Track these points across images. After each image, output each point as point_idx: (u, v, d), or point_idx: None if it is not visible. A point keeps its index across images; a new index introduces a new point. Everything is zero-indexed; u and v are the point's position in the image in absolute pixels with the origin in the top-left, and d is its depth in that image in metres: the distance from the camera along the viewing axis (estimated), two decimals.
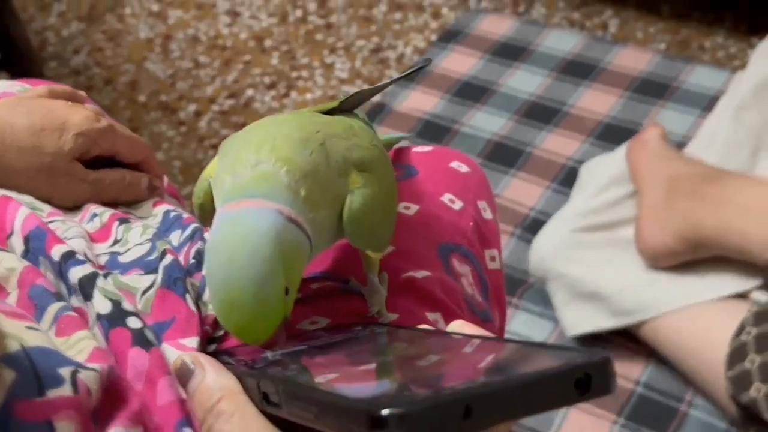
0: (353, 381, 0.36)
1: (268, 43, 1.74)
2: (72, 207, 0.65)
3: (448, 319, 0.58)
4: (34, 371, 0.42)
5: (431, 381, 0.34)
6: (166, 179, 0.78)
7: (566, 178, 1.39)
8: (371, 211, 0.48)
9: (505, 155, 1.44)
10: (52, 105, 0.68)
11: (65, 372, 0.43)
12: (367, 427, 0.30)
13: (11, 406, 0.41)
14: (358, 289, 0.56)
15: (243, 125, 1.59)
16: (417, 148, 0.73)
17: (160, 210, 0.64)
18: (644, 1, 1.69)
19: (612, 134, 1.45)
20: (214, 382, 0.41)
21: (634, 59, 1.57)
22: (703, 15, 1.65)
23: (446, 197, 0.67)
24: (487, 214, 0.69)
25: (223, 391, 0.40)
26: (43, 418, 0.41)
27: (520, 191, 1.38)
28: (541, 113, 1.50)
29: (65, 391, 0.42)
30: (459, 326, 0.42)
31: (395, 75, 1.63)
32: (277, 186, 0.44)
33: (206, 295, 0.54)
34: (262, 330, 0.43)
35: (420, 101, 1.54)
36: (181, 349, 0.49)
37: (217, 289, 0.43)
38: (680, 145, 1.41)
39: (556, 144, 1.45)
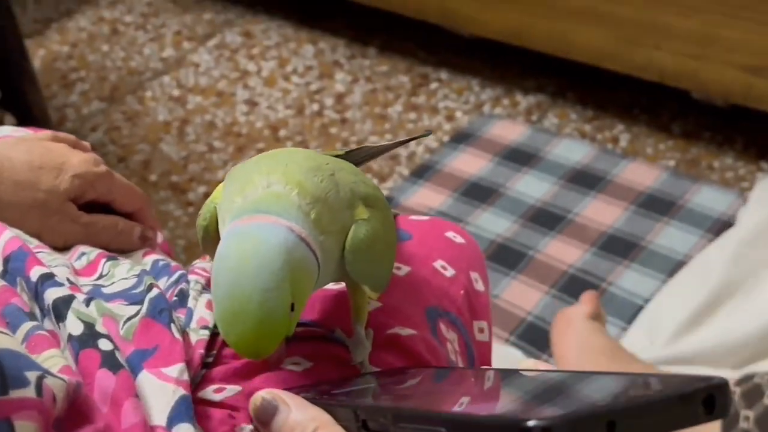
0: (468, 403, 0.38)
1: (282, 132, 1.77)
2: (62, 247, 0.65)
3: None
4: (0, 370, 0.41)
5: (562, 398, 0.35)
6: (161, 236, 0.78)
7: (566, 284, 1.39)
8: (374, 243, 0.49)
9: (506, 257, 1.44)
10: (54, 146, 0.69)
11: (31, 375, 0.42)
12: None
13: None
14: (342, 339, 0.56)
15: None
16: (413, 217, 0.73)
17: (149, 259, 0.64)
18: (655, 118, 1.72)
19: (615, 246, 1.45)
20: (303, 415, 0.41)
21: (641, 174, 1.58)
22: (713, 136, 1.67)
23: (438, 263, 0.66)
24: (479, 286, 0.69)
25: (316, 422, 0.40)
26: (3, 416, 0.40)
27: (519, 294, 1.38)
28: (546, 219, 1.50)
29: (29, 392, 0.41)
30: (533, 364, 0.42)
31: (405, 172, 1.64)
32: (289, 206, 0.45)
33: (193, 324, 0.53)
34: (265, 344, 0.43)
35: (427, 198, 1.55)
36: (162, 378, 0.49)
37: (222, 297, 0.43)
38: (681, 263, 1.40)
39: (558, 250, 1.45)
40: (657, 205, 1.52)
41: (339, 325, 0.56)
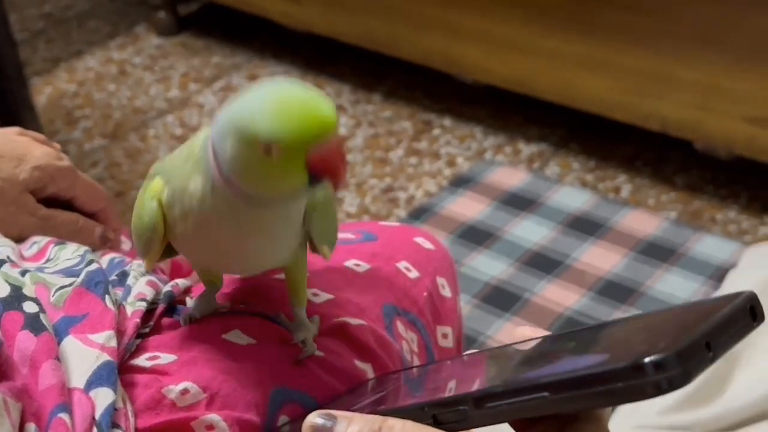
0: (552, 365, 0.38)
1: None
2: (17, 239, 0.64)
3: (378, 371, 0.54)
4: None
5: (645, 338, 0.36)
6: (129, 243, 0.76)
7: (562, 327, 1.35)
8: (332, 202, 0.52)
9: (501, 299, 1.41)
10: (18, 138, 0.68)
11: None
12: (649, 374, 0.32)
13: None
14: (285, 324, 0.53)
15: None
16: (382, 222, 0.71)
17: (106, 258, 0.63)
18: (658, 170, 1.69)
19: (613, 291, 1.42)
20: (364, 420, 0.39)
21: (643, 221, 1.55)
22: (717, 189, 1.64)
23: (402, 264, 0.64)
24: (446, 292, 0.66)
25: (378, 421, 0.38)
26: None
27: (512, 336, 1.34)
28: (543, 263, 1.48)
29: None
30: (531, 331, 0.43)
31: (403, 214, 1.62)
32: None
33: (130, 298, 0.51)
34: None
35: None
36: (87, 344, 0.47)
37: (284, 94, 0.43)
38: None
39: (555, 294, 1.42)
40: (658, 252, 1.49)
41: (283, 311, 0.54)
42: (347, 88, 1.96)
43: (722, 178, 1.66)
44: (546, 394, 0.35)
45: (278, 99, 0.43)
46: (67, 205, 0.69)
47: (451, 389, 0.41)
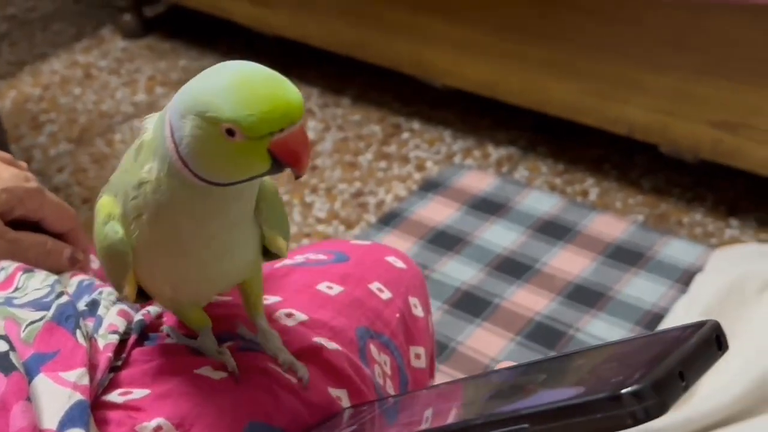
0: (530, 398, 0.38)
1: None
2: None
3: (354, 398, 0.54)
4: None
5: (620, 368, 0.36)
6: (98, 262, 0.75)
7: (532, 332, 1.36)
8: (277, 191, 0.51)
9: (472, 304, 1.41)
10: None
11: None
12: (627, 404, 0.33)
13: None
14: (249, 336, 0.53)
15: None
16: (354, 241, 0.71)
17: (75, 280, 0.62)
18: (625, 173, 1.71)
19: (582, 296, 1.43)
20: None
21: (610, 225, 1.56)
22: (683, 192, 1.66)
23: (374, 285, 0.64)
24: (418, 312, 0.66)
25: None
26: None
27: (483, 341, 1.35)
28: (513, 267, 1.48)
29: None
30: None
31: (372, 219, 1.62)
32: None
33: (102, 330, 0.51)
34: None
35: (393, 245, 1.52)
36: (59, 383, 0.46)
37: (244, 75, 0.43)
38: (649, 313, 1.38)
39: (524, 298, 1.42)
40: (626, 256, 1.50)
41: (243, 323, 0.54)
42: (316, 92, 1.95)
43: (688, 182, 1.68)
44: (526, 425, 0.36)
45: (243, 80, 0.42)
46: (34, 226, 0.68)
47: (427, 420, 0.41)
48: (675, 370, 0.34)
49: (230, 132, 0.42)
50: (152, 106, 1.96)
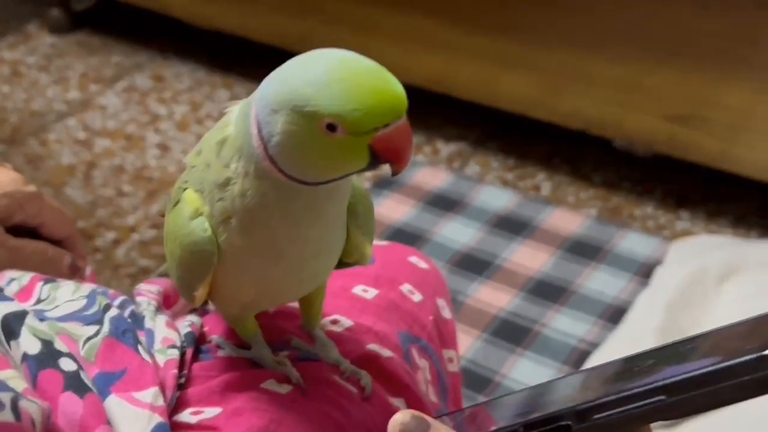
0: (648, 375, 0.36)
1: None
2: None
3: (411, 406, 0.51)
4: None
5: (742, 342, 0.35)
6: (89, 268, 0.71)
7: (498, 328, 1.35)
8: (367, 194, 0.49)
9: None
10: None
11: (5, 397, 0.35)
12: None
13: None
14: (304, 348, 0.50)
15: (164, 257, 1.52)
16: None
17: (87, 286, 0.57)
18: (576, 167, 1.71)
19: (544, 290, 1.42)
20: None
21: (566, 220, 1.57)
22: (634, 186, 1.68)
23: (405, 287, 0.61)
24: (446, 313, 0.64)
25: None
26: None
27: None
28: (474, 264, 1.47)
29: (6, 416, 0.34)
30: None
31: None
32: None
33: (157, 345, 0.47)
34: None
35: None
36: (134, 404, 0.42)
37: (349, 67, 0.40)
38: (611, 306, 1.39)
39: (487, 295, 1.41)
40: (584, 250, 1.50)
41: (294, 335, 0.51)
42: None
43: (638, 175, 1.69)
44: (663, 397, 0.34)
45: (345, 71, 0.40)
46: (32, 232, 0.64)
47: (546, 408, 0.39)
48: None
49: (331, 127, 0.38)
50: (87, 105, 1.89)
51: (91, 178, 1.70)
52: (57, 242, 0.65)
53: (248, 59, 1.98)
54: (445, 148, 1.76)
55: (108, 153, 1.76)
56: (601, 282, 1.44)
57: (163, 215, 0.49)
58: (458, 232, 1.53)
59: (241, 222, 0.43)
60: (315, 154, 0.40)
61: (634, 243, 1.52)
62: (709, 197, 1.64)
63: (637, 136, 1.57)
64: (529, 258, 1.49)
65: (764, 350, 0.33)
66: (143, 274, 1.49)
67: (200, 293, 0.45)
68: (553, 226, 1.55)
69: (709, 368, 0.34)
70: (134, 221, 1.60)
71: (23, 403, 0.36)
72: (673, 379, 0.35)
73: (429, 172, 1.67)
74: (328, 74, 0.39)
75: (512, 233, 1.54)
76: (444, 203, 1.60)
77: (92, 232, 1.58)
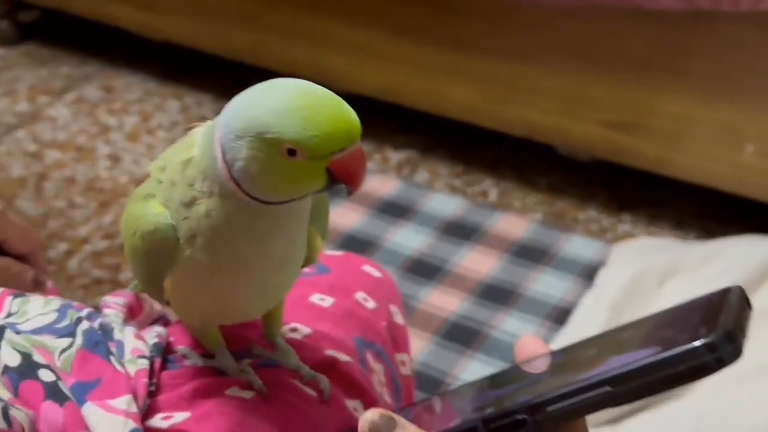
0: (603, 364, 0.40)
1: None
2: None
3: (369, 407, 0.54)
4: None
5: (683, 328, 0.38)
6: (50, 282, 0.73)
7: (448, 332, 1.39)
8: None
9: None
10: None
11: None
12: (709, 354, 0.36)
13: None
14: (265, 354, 0.53)
15: (117, 267, 1.53)
16: (326, 252, 0.71)
17: (56, 300, 0.60)
18: (522, 173, 1.76)
19: (493, 294, 1.47)
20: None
21: (513, 224, 1.61)
22: (577, 190, 1.73)
23: (360, 295, 0.64)
24: (399, 319, 0.67)
25: None
26: None
27: None
28: (424, 269, 1.51)
29: None
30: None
31: None
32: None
33: (127, 355, 0.49)
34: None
35: None
36: (110, 411, 0.45)
37: (297, 94, 0.43)
38: (557, 307, 1.43)
39: (438, 299, 1.45)
40: (531, 254, 1.55)
41: (256, 343, 0.54)
42: (209, 98, 1.92)
43: (581, 180, 1.74)
44: (609, 388, 0.38)
45: (303, 100, 0.42)
46: None
47: (501, 401, 0.42)
48: (737, 321, 0.37)
49: (291, 152, 0.42)
50: (36, 116, 1.89)
51: (42, 190, 1.70)
52: (20, 257, 0.67)
53: (198, 70, 1.99)
54: (395, 156, 1.80)
55: (59, 164, 1.77)
56: (547, 284, 1.49)
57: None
58: (409, 239, 1.57)
59: (206, 240, 0.45)
60: (276, 177, 0.43)
61: (578, 246, 1.57)
62: (649, 201, 1.70)
63: (578, 142, 1.63)
64: (477, 262, 1.53)
65: (695, 340, 0.36)
66: (96, 284, 1.51)
67: (157, 294, 0.48)
68: (500, 231, 1.60)
69: (649, 359, 0.37)
70: (86, 232, 1.61)
71: (13, 412, 0.39)
72: (616, 372, 0.38)
73: (379, 180, 1.71)
74: (288, 103, 0.42)
75: (461, 238, 1.58)
76: (394, 210, 1.63)
77: (45, 243, 1.58)
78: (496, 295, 1.46)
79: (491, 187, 1.73)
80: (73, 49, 2.09)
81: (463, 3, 1.59)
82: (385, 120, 1.87)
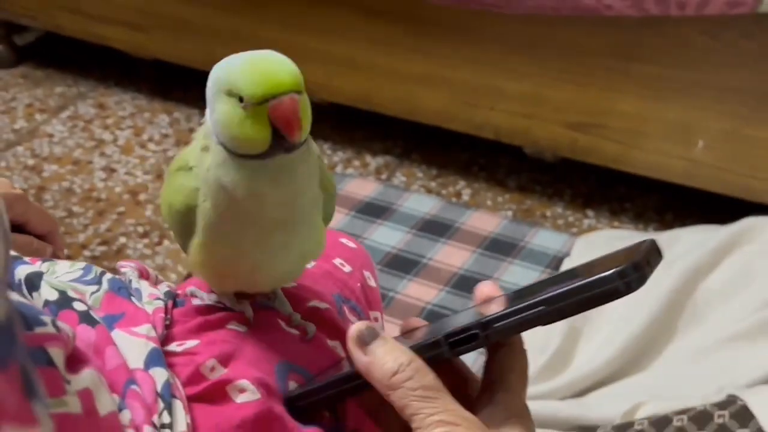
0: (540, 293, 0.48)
1: (142, 196, 1.82)
2: None
3: (345, 349, 0.65)
4: (20, 314, 0.47)
5: (598, 266, 0.48)
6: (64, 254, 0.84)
7: (426, 319, 1.49)
8: None
9: None
10: None
11: (46, 318, 0.48)
12: (620, 278, 0.45)
13: None
14: (265, 302, 0.64)
15: (114, 270, 1.63)
16: None
17: (79, 263, 0.70)
18: (492, 174, 1.88)
19: (466, 285, 1.58)
20: (399, 350, 0.49)
21: (484, 221, 1.73)
22: (544, 189, 1.84)
23: (337, 261, 0.75)
24: (372, 282, 0.78)
25: (409, 355, 0.49)
26: (37, 345, 0.46)
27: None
28: (402, 264, 1.62)
29: (50, 329, 0.47)
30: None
31: None
32: None
33: (144, 299, 0.60)
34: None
35: None
36: (134, 335, 0.55)
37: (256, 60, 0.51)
38: None
39: (416, 291, 1.56)
40: (501, 248, 1.66)
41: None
42: (197, 112, 2.04)
43: (548, 179, 1.86)
44: (544, 307, 0.47)
45: (254, 61, 0.51)
46: (19, 229, 0.76)
47: (460, 323, 0.51)
48: (644, 258, 0.46)
49: (241, 100, 0.50)
50: (34, 133, 1.99)
51: (42, 201, 1.80)
52: (40, 237, 0.77)
53: (186, 85, 2.11)
54: (373, 161, 1.91)
55: (57, 177, 1.87)
56: (516, 275, 1.60)
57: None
58: (388, 236, 1.68)
59: (213, 200, 0.55)
60: (233, 126, 0.51)
61: (545, 239, 1.68)
62: (611, 197, 1.82)
63: (543, 143, 1.74)
64: (452, 256, 1.64)
65: (615, 269, 0.45)
66: None
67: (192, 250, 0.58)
68: (472, 228, 1.71)
69: (575, 284, 0.46)
70: (84, 239, 1.71)
71: (59, 323, 0.49)
72: (549, 294, 0.47)
73: (359, 184, 1.82)
74: (242, 61, 0.52)
75: (436, 235, 1.69)
76: (374, 211, 1.75)
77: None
78: (470, 286, 1.57)
79: (464, 188, 1.85)
80: (67, 69, 2.20)
81: (431, 14, 1.71)
82: (364, 128, 1.99)
